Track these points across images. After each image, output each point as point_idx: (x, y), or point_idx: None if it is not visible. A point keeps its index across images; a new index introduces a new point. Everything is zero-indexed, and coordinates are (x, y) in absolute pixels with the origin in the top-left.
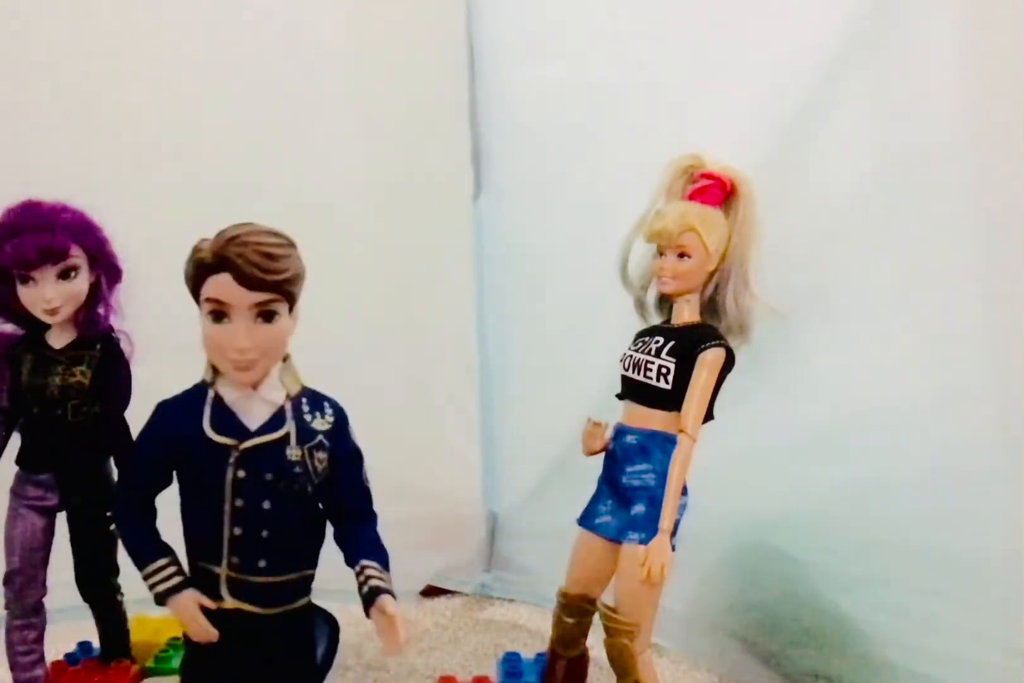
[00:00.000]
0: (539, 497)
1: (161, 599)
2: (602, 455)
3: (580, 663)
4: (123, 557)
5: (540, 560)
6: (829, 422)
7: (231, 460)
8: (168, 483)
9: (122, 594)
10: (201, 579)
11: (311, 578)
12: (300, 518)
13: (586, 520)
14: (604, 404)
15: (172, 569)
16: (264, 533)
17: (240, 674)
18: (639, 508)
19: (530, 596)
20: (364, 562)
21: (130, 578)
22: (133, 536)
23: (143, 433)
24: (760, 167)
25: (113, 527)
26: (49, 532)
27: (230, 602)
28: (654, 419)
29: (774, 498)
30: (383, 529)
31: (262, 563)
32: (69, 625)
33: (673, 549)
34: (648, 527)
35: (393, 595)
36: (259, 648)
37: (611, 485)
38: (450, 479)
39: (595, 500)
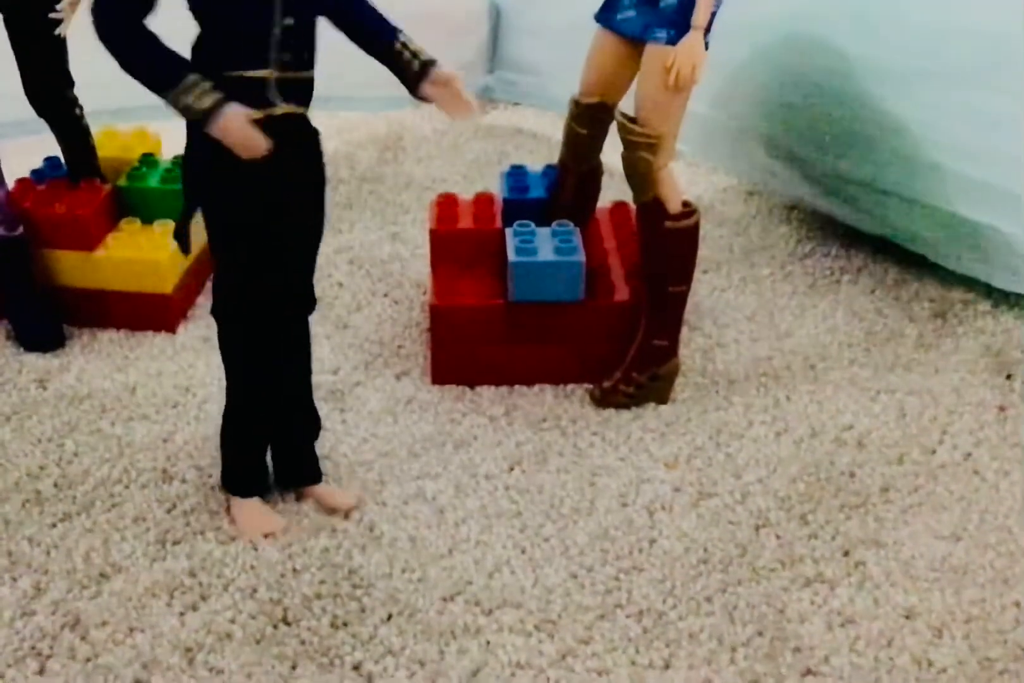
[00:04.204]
0: None
1: (205, 119)
2: None
3: (592, 177)
4: (76, 65)
5: (549, 60)
6: None
7: None
8: None
9: (81, 107)
10: (236, 91)
11: None
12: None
13: (605, 16)
14: None
15: (207, 84)
16: (308, 19)
17: (280, 190)
18: (669, 0)
19: (537, 99)
20: (402, 38)
21: (88, 88)
22: (140, 52)
23: None
24: None
25: (59, 31)
26: None
27: (281, 106)
28: None
29: None
30: None
31: (306, 55)
32: (33, 139)
33: (706, 48)
34: (679, 23)
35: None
36: (298, 155)
37: None
38: None
39: None
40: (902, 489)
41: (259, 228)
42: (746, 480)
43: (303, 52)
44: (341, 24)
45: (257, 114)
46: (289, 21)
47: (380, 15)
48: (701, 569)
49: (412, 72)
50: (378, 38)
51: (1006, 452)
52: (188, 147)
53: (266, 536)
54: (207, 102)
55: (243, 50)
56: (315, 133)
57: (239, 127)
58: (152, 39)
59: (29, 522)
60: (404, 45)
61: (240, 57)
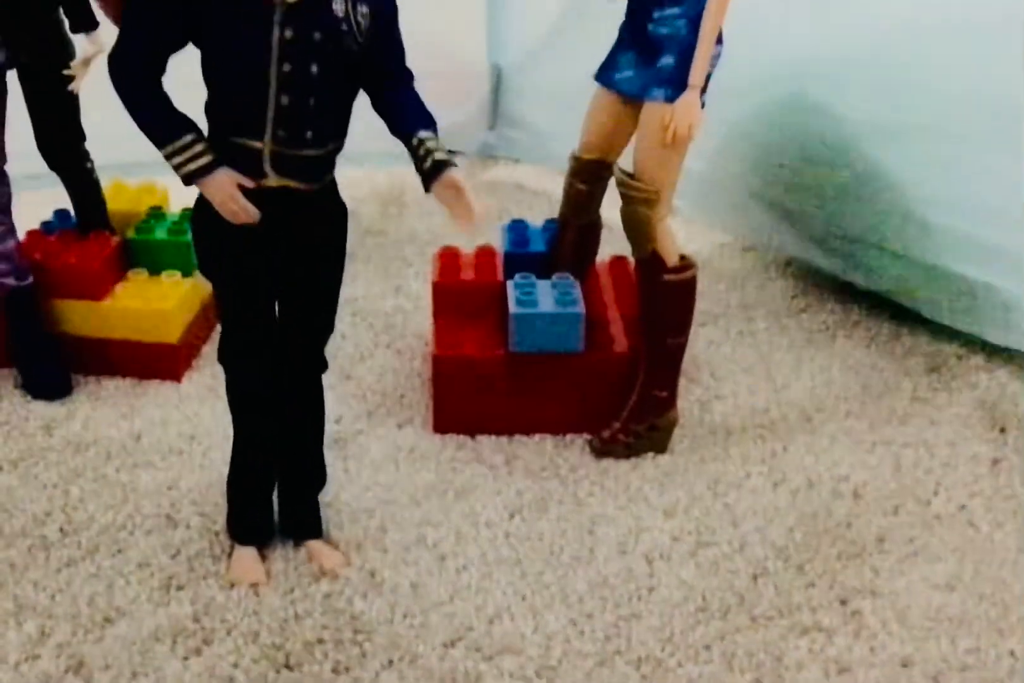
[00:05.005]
0: (550, 48)
1: (191, 179)
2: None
3: (592, 232)
4: (88, 121)
5: (549, 117)
6: None
7: (277, 18)
8: (181, 45)
9: (91, 161)
10: (234, 157)
11: (339, 151)
12: (343, 85)
13: (604, 75)
14: None
15: (201, 146)
16: (312, 101)
17: (271, 257)
18: (667, 60)
19: (537, 156)
20: (421, 134)
21: (99, 143)
22: (146, 108)
23: None
24: None
25: (72, 88)
26: (0, 94)
27: (274, 179)
28: None
29: (812, 46)
30: None
31: (308, 134)
32: (43, 192)
33: (703, 106)
34: (676, 82)
35: (456, 166)
36: (296, 227)
37: (634, 34)
38: (450, 28)
39: (615, 52)
40: (898, 539)
41: (241, 289)
42: (744, 530)
43: (304, 131)
44: (375, 106)
45: (248, 182)
46: (285, 100)
47: (416, 105)
48: (700, 617)
49: (424, 169)
50: (401, 128)
51: (1000, 504)
52: (197, 199)
53: (252, 585)
54: (197, 163)
55: (241, 119)
56: (329, 208)
57: (224, 192)
58: (159, 97)
59: (35, 567)
60: (422, 141)
61: (238, 125)
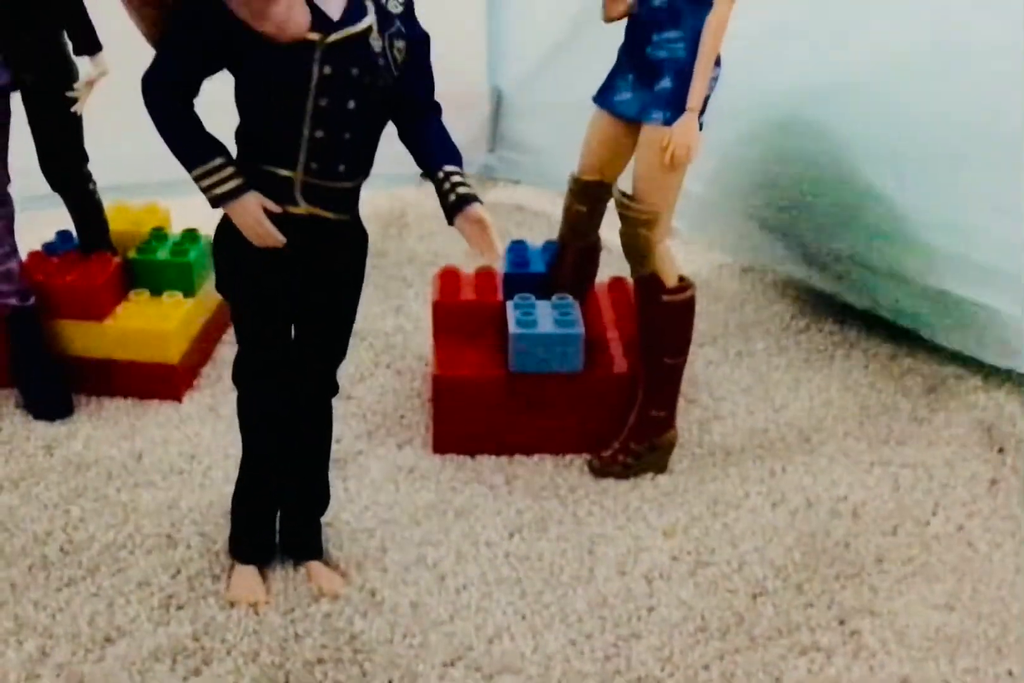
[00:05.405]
0: (549, 71)
1: (220, 202)
2: (624, 21)
3: (591, 253)
4: (90, 142)
5: (548, 140)
6: None
7: (316, 56)
8: (217, 69)
9: (94, 183)
10: (264, 183)
11: (365, 180)
12: (377, 119)
13: (603, 97)
14: None
15: (230, 170)
16: (347, 136)
17: (291, 280)
18: (665, 83)
19: (537, 178)
20: (447, 168)
21: (102, 165)
22: (177, 129)
23: (195, 2)
24: None
25: (75, 110)
26: (3, 115)
27: (304, 207)
28: None
29: (809, 69)
30: None
31: (341, 168)
32: (45, 213)
33: (700, 129)
34: (674, 105)
35: (480, 202)
36: (319, 253)
37: (633, 57)
38: (450, 51)
39: (614, 75)
40: (896, 559)
41: (259, 310)
42: (743, 549)
43: (337, 164)
44: (402, 136)
45: (276, 208)
46: (320, 134)
47: (443, 138)
48: (699, 637)
49: (448, 202)
50: (427, 161)
51: (998, 524)
52: (222, 219)
53: (252, 604)
54: (226, 186)
55: (273, 148)
56: (352, 236)
57: (251, 215)
58: (191, 120)
59: (35, 586)
60: (447, 175)
61: (270, 154)
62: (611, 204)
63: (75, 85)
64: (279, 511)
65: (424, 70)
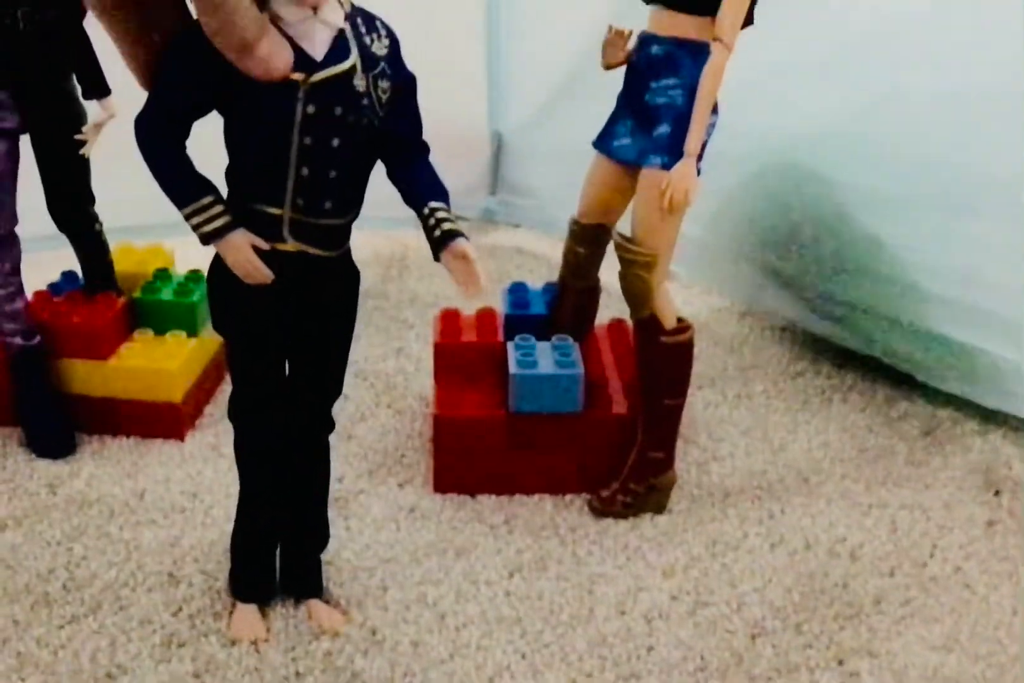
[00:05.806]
0: (549, 116)
1: (209, 240)
2: (623, 69)
3: (591, 295)
4: (97, 184)
5: (549, 184)
6: (866, 33)
7: (300, 95)
8: (207, 110)
9: (100, 223)
10: (253, 220)
11: (355, 218)
12: (362, 157)
13: (602, 142)
14: (626, 9)
15: (219, 208)
16: (332, 173)
17: (283, 316)
18: (663, 128)
19: (537, 221)
20: (433, 204)
21: (108, 206)
22: (169, 169)
23: (183, 45)
24: None
25: (83, 152)
26: (13, 157)
27: (292, 244)
28: (685, 25)
29: (806, 116)
30: None
31: (328, 205)
32: (50, 254)
33: (699, 173)
34: (672, 150)
35: (466, 237)
36: (310, 289)
37: (632, 103)
38: (452, 96)
39: (613, 120)
40: (894, 601)
41: (252, 346)
42: (742, 590)
43: (323, 201)
44: (390, 175)
45: (264, 245)
46: (305, 171)
47: (429, 176)
48: (698, 677)
49: (434, 238)
50: (414, 198)
51: (995, 566)
52: (215, 257)
53: (253, 642)
54: (215, 224)
55: (260, 187)
56: (342, 271)
57: (239, 252)
58: (181, 160)
59: (37, 623)
60: (432, 212)
61: (257, 192)
62: (611, 247)
63: (83, 128)
64: (279, 548)
65: (410, 110)
